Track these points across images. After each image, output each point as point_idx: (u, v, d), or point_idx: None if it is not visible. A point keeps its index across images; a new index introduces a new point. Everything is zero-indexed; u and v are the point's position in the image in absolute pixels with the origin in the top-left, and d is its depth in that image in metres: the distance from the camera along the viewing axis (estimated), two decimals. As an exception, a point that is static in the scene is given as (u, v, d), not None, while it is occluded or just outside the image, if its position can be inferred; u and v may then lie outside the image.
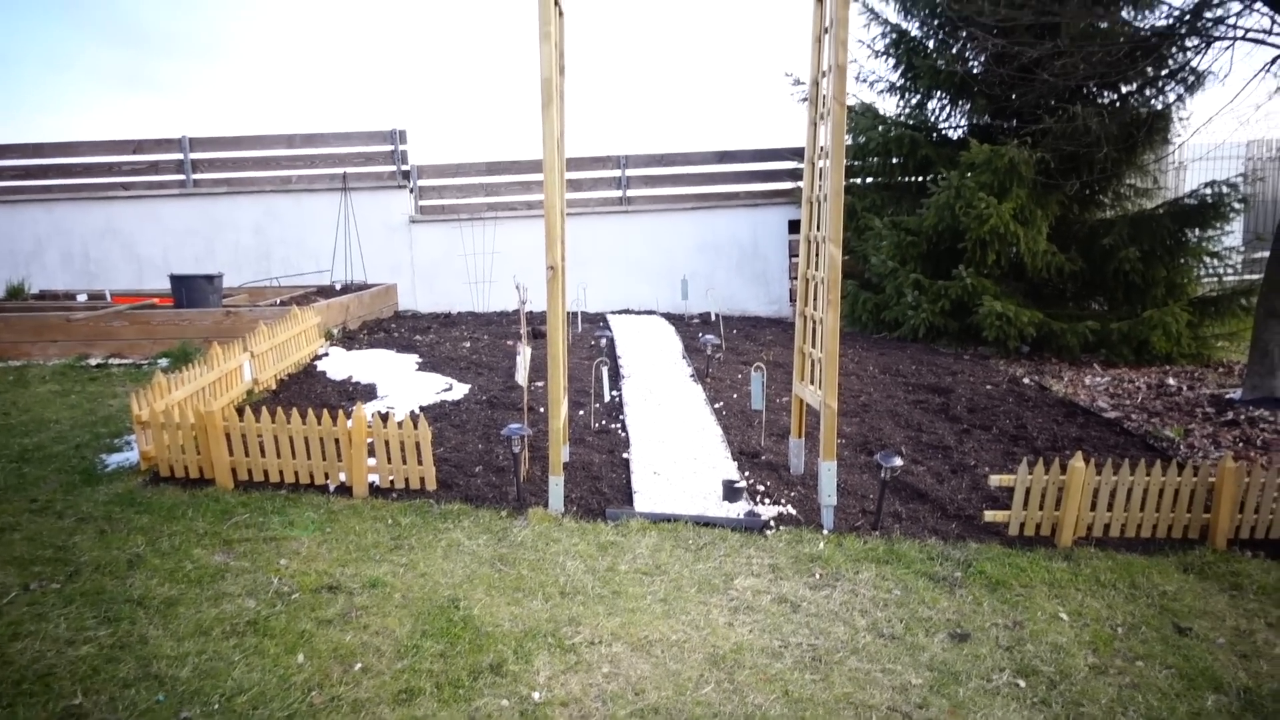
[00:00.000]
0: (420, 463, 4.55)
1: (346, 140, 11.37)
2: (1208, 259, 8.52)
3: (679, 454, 5.24)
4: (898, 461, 4.38)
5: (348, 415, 4.58)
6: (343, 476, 4.59)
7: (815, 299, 4.93)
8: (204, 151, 11.30)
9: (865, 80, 10.27)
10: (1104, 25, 8.25)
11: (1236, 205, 8.23)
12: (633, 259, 11.42)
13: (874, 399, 6.68)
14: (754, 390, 5.46)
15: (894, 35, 9.84)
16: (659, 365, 7.27)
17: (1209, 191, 8.34)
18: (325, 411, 4.57)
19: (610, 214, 11.50)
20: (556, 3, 4.39)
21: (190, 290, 7.87)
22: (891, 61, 9.99)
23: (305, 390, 6.45)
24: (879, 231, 9.03)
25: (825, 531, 4.35)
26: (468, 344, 8.02)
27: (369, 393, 6.35)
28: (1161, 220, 8.48)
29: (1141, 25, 8.47)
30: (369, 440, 4.57)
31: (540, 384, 6.43)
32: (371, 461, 4.61)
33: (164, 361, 7.35)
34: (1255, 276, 9.04)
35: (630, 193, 11.54)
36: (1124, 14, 8.18)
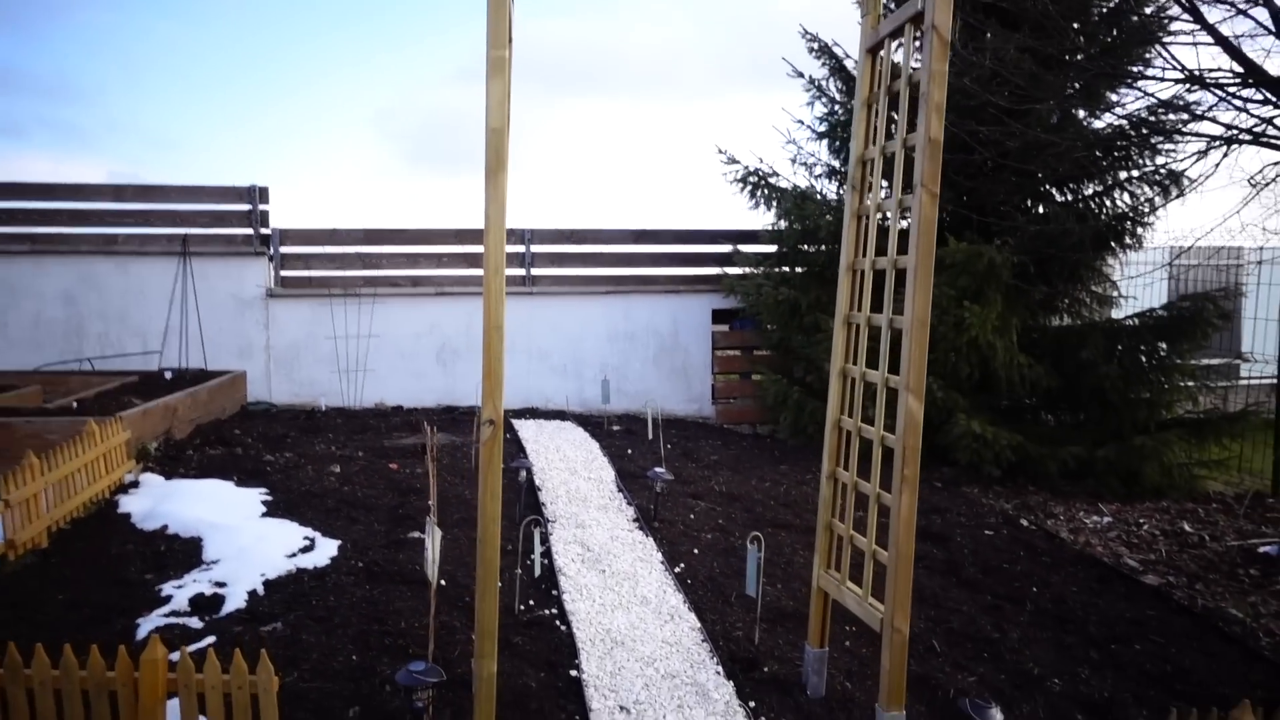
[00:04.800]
0: (259, 727, 2.79)
1: (192, 195, 9.38)
2: (1184, 380, 7.74)
3: (649, 666, 3.66)
4: (997, 716, 2.95)
5: (150, 603, 2.78)
6: (123, 754, 2.77)
7: (845, 456, 3.55)
8: (4, 200, 9.05)
9: (804, 163, 9.28)
10: (1055, 120, 7.54)
11: (1216, 321, 7.50)
12: (536, 348, 9.85)
13: (864, 554, 5.32)
14: (749, 571, 3.97)
15: (840, 115, 8.90)
16: (591, 502, 5.69)
17: (1187, 305, 7.59)
18: (94, 649, 2.75)
19: (512, 295, 9.92)
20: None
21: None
22: (836, 144, 9.04)
23: (94, 552, 4.50)
24: (831, 334, 7.82)
25: (894, 823, 2.86)
26: (337, 467, 6.18)
27: (190, 555, 4.46)
28: (1139, 333, 7.66)
29: (1109, 123, 7.80)
30: (171, 695, 2.78)
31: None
32: (175, 724, 2.80)
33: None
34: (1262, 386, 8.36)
35: (535, 271, 10.03)
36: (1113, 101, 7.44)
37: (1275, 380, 7.52)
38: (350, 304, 9.44)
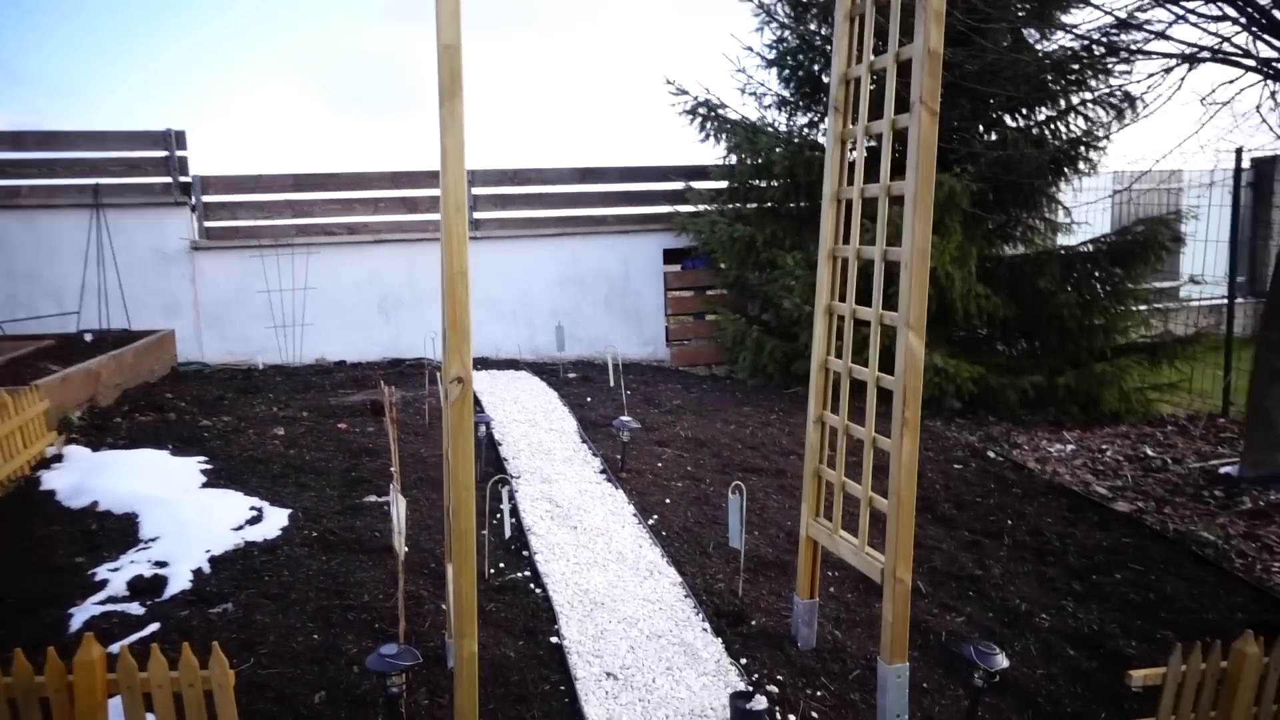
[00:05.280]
0: (215, 725, 2.52)
1: (101, 142, 8.68)
2: (1136, 305, 7.76)
3: (632, 627, 3.47)
4: (1002, 660, 2.84)
5: (84, 589, 2.48)
6: (60, 764, 2.48)
7: (830, 399, 3.38)
8: (-113, 151, 8.26)
9: (754, 94, 8.97)
10: (1006, 43, 7.34)
11: (1170, 244, 7.51)
12: (484, 295, 9.46)
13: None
14: (732, 522, 3.79)
15: (790, 42, 8.59)
16: (555, 455, 5.45)
17: (1141, 229, 7.57)
18: (19, 654, 2.43)
19: (454, 241, 9.47)
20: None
21: None
22: (786, 72, 8.73)
23: (16, 535, 4.10)
24: (790, 270, 7.65)
25: (902, 779, 2.75)
26: (281, 430, 5.80)
27: (125, 533, 4.11)
28: (1094, 259, 7.64)
29: (1061, 45, 7.64)
30: (113, 696, 2.48)
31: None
32: (119, 727, 2.52)
33: None
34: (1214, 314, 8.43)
35: (477, 215, 9.60)
36: (1064, 22, 7.25)
37: (1225, 301, 7.58)
38: (283, 255, 8.91)
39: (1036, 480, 5.59)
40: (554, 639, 3.38)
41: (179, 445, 5.31)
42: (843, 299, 3.27)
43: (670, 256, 9.91)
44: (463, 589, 2.49)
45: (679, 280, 9.86)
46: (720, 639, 3.43)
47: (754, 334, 8.08)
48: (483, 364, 8.81)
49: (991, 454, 6.16)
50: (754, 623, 3.60)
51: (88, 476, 4.59)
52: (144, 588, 3.56)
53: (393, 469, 2.91)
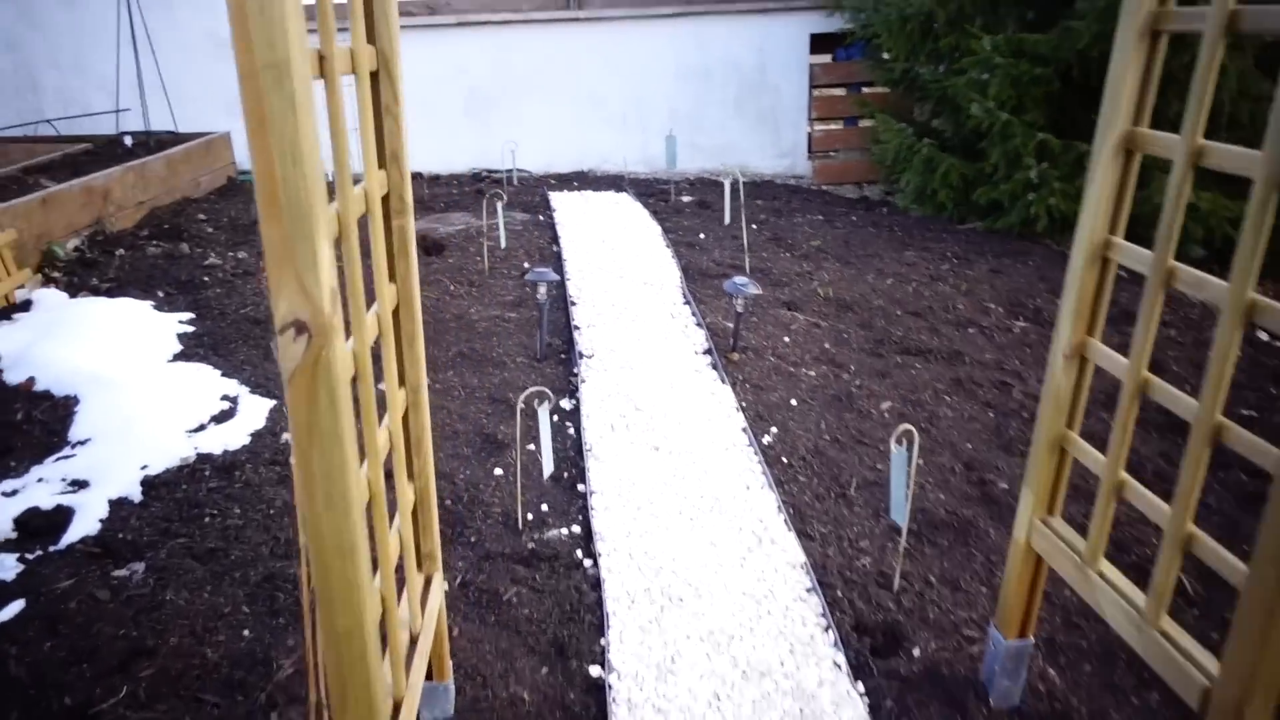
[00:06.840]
0: None
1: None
2: None
3: (720, 652, 2.21)
4: None
5: None
6: None
7: (1094, 315, 1.83)
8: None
9: None
10: None
11: None
12: (586, 92, 7.86)
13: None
14: (894, 486, 2.37)
15: None
16: (645, 322, 4.08)
17: None
18: None
19: (551, 22, 7.79)
20: None
21: None
22: None
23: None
24: (984, 58, 5.64)
25: None
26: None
27: (54, 429, 3.07)
28: None
29: None
30: None
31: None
32: None
33: None
34: None
35: (581, -10, 7.80)
36: None
37: None
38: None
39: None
40: (594, 668, 2.17)
41: (170, 292, 4.24)
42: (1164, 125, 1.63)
43: (819, 44, 7.89)
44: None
45: (828, 74, 7.88)
46: (862, 684, 2.13)
47: (923, 148, 6.20)
48: (580, 180, 7.36)
49: (1263, 334, 4.36)
50: (916, 651, 2.26)
51: (41, 337, 3.59)
52: (38, 527, 2.54)
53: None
